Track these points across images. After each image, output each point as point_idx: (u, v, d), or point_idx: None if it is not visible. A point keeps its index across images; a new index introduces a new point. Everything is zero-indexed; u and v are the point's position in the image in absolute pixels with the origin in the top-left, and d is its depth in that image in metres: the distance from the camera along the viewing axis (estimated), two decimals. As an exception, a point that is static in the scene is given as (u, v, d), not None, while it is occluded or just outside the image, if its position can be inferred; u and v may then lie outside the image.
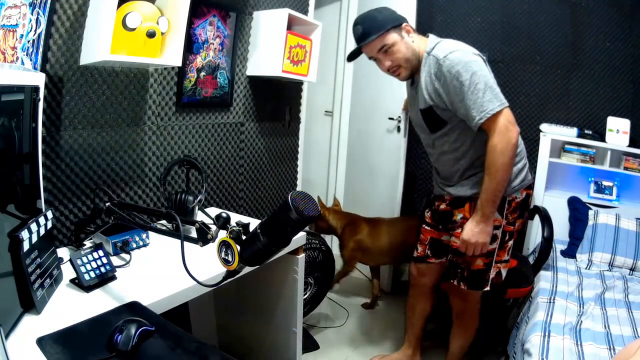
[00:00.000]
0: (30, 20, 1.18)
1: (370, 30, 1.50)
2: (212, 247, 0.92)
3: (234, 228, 0.87)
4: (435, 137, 1.62)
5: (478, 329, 1.81)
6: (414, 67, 1.57)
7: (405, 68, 1.56)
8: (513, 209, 1.60)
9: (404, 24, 1.53)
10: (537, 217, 2.36)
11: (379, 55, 1.55)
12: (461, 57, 1.44)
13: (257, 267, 0.96)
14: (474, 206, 1.56)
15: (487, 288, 1.64)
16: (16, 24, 1.16)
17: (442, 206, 1.73)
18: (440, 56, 1.46)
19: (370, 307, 2.59)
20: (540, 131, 2.68)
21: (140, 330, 0.83)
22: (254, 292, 1.71)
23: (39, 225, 0.96)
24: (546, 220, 2.17)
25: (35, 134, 1.03)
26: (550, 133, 2.65)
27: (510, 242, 1.65)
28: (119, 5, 1.26)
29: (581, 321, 1.62)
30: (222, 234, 0.89)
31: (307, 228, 2.18)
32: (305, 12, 2.28)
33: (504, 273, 1.66)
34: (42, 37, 1.21)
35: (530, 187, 1.65)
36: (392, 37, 1.51)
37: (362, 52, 1.60)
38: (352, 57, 1.65)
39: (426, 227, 1.82)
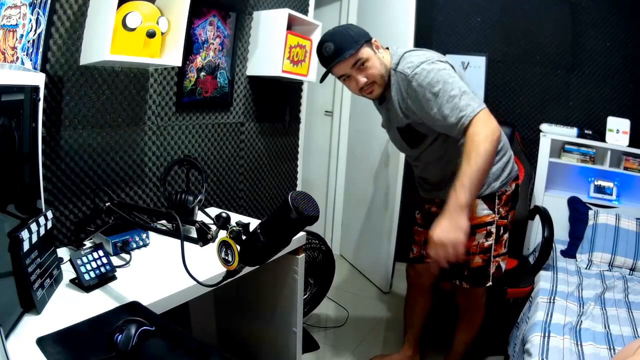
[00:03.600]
0: (30, 20, 1.18)
1: (344, 46, 1.40)
2: (212, 247, 0.92)
3: (234, 228, 0.87)
4: (419, 152, 1.61)
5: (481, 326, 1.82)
6: (385, 84, 1.51)
7: (379, 85, 1.49)
8: (504, 203, 1.61)
9: (373, 39, 1.49)
10: (537, 217, 2.36)
11: (352, 71, 1.44)
12: (429, 68, 1.38)
13: (257, 267, 0.96)
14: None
15: (490, 283, 1.65)
16: (16, 24, 1.15)
17: (434, 209, 1.73)
18: (409, 72, 1.41)
19: None
20: (540, 131, 2.68)
21: (140, 330, 0.83)
22: (254, 292, 1.71)
23: (39, 225, 0.96)
24: (546, 220, 2.17)
25: (35, 134, 1.03)
26: (550, 133, 2.65)
27: (506, 235, 1.66)
28: (119, 5, 1.26)
29: (581, 321, 1.62)
30: (222, 234, 0.89)
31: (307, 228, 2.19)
32: (305, 12, 2.28)
33: (503, 266, 1.67)
34: (42, 37, 1.20)
35: (517, 177, 1.67)
36: (367, 51, 1.44)
37: (330, 72, 1.48)
38: (324, 78, 1.53)
39: (418, 228, 1.83)
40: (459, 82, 1.39)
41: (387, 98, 1.55)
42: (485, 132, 1.31)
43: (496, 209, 1.59)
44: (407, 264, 1.94)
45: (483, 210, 1.58)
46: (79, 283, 1.06)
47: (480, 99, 1.43)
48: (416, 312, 1.94)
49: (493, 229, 1.60)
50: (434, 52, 1.49)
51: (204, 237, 0.94)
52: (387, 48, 1.55)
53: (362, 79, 1.46)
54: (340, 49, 1.40)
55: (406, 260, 1.94)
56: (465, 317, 1.82)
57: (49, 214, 1.03)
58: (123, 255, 1.28)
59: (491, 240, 1.61)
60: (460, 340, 1.84)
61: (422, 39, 2.81)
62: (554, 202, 2.61)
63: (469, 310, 1.80)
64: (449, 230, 1.30)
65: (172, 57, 1.43)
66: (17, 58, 1.17)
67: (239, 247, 0.85)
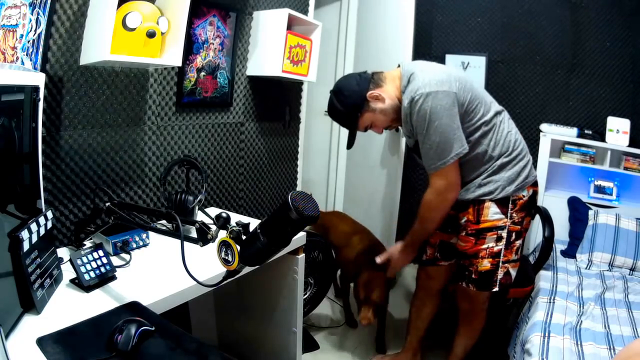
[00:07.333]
0: (30, 20, 1.18)
1: (346, 126, 1.62)
2: (212, 247, 0.92)
3: (234, 228, 0.87)
4: None
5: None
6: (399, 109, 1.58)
7: (395, 120, 1.59)
8: (520, 208, 1.58)
9: (368, 95, 1.53)
10: (537, 217, 2.36)
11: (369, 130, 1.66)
12: (425, 103, 1.42)
13: (257, 267, 0.96)
14: (477, 209, 1.57)
15: (496, 289, 1.62)
16: (16, 24, 1.16)
17: (451, 212, 1.72)
18: (406, 103, 1.47)
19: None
20: (540, 131, 2.68)
21: (140, 330, 0.83)
22: (254, 292, 1.71)
23: (39, 225, 0.96)
24: (547, 220, 2.17)
25: (35, 134, 1.03)
26: (550, 133, 2.65)
27: (518, 242, 1.62)
28: (119, 5, 1.26)
29: (581, 321, 1.62)
30: (222, 234, 0.89)
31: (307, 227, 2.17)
32: (305, 12, 2.28)
33: (513, 273, 1.64)
34: (42, 37, 1.21)
35: (536, 184, 1.64)
36: (366, 118, 1.57)
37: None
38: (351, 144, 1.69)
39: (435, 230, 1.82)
40: (443, 124, 1.43)
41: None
42: (436, 202, 1.56)
43: (509, 214, 1.57)
44: (418, 266, 1.92)
45: (495, 214, 1.56)
46: (79, 283, 1.06)
47: (461, 141, 1.46)
48: (423, 314, 1.92)
49: (504, 233, 1.57)
50: (440, 73, 1.48)
51: (204, 237, 0.94)
52: (399, 65, 1.58)
53: (379, 131, 1.67)
54: (345, 126, 1.63)
55: (418, 262, 1.90)
56: (465, 321, 1.80)
57: (49, 214, 1.03)
58: (123, 255, 1.28)
59: (501, 245, 1.58)
60: (460, 344, 1.82)
61: (422, 39, 2.82)
62: (554, 202, 2.60)
63: (469, 314, 1.78)
64: (403, 260, 1.81)
65: (172, 57, 1.43)
66: (17, 58, 1.17)
67: (239, 247, 0.85)
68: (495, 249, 1.58)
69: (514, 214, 1.58)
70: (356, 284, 2.03)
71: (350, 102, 1.55)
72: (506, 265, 1.62)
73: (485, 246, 1.59)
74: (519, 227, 1.60)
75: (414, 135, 1.53)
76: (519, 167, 1.57)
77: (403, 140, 2.53)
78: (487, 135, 1.53)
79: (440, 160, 1.47)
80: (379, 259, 1.82)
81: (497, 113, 1.57)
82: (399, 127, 1.79)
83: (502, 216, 1.56)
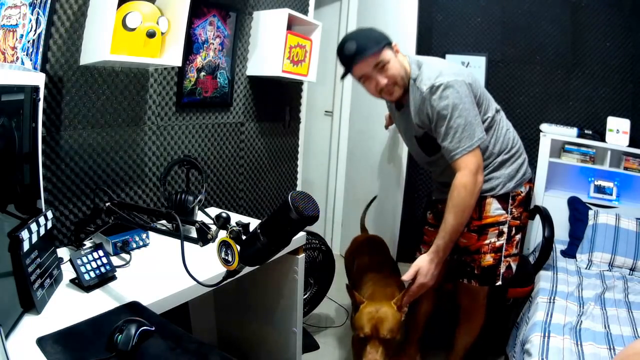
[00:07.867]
0: (30, 20, 1.18)
1: (367, 46, 1.45)
2: (212, 247, 0.92)
3: (234, 228, 0.87)
4: (436, 158, 1.62)
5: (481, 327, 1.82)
6: (405, 87, 1.54)
7: (399, 86, 1.52)
8: (518, 204, 1.63)
9: (393, 43, 1.53)
10: (537, 217, 2.36)
11: (373, 72, 1.48)
12: (447, 90, 1.42)
13: (257, 267, 0.96)
14: (479, 205, 1.58)
15: (499, 282, 1.65)
16: (16, 24, 1.16)
17: None
18: (424, 90, 1.46)
19: None
20: (540, 131, 2.68)
21: (140, 330, 0.83)
22: (254, 292, 1.71)
23: (39, 225, 0.96)
24: (547, 220, 2.17)
25: (35, 134, 1.03)
26: (550, 133, 2.65)
27: (518, 237, 1.66)
28: (119, 5, 1.26)
29: (581, 321, 1.62)
30: (222, 234, 0.89)
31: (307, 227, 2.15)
32: (305, 12, 2.28)
33: (514, 266, 1.68)
34: (42, 37, 1.21)
35: (531, 180, 1.69)
36: (388, 53, 1.48)
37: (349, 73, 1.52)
38: (345, 76, 1.59)
39: (429, 229, 1.82)
40: (466, 109, 1.43)
41: (405, 105, 1.57)
42: (471, 186, 1.44)
43: (509, 209, 1.61)
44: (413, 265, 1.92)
45: (496, 209, 1.59)
46: (79, 283, 1.06)
47: (481, 128, 1.47)
48: (420, 313, 1.93)
49: (505, 228, 1.61)
50: (450, 65, 1.50)
51: (204, 237, 0.94)
52: (405, 55, 1.58)
53: (383, 80, 1.48)
54: (362, 48, 1.44)
55: (413, 260, 1.90)
56: (466, 318, 1.81)
57: (49, 214, 1.03)
58: (123, 255, 1.28)
59: (502, 240, 1.62)
60: (461, 342, 1.83)
61: (422, 39, 2.81)
62: (554, 202, 2.60)
63: (470, 311, 1.79)
64: (434, 272, 1.51)
65: (172, 57, 1.43)
66: (17, 58, 1.17)
67: (239, 247, 0.85)
68: (497, 243, 1.61)
69: (514, 210, 1.62)
70: (356, 315, 1.56)
71: (381, 33, 1.51)
72: (508, 259, 1.65)
73: (487, 241, 1.61)
74: (518, 221, 1.65)
75: (428, 124, 1.51)
76: (517, 164, 1.61)
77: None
78: (489, 132, 1.55)
79: (468, 142, 1.44)
80: (405, 276, 1.54)
81: (497, 111, 1.61)
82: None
83: (503, 212, 1.60)
